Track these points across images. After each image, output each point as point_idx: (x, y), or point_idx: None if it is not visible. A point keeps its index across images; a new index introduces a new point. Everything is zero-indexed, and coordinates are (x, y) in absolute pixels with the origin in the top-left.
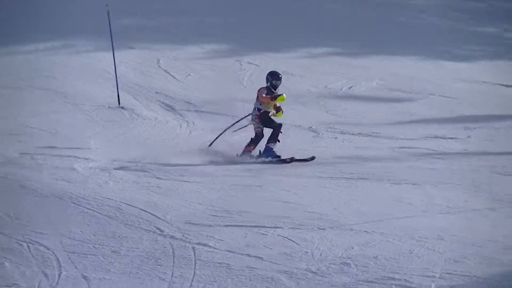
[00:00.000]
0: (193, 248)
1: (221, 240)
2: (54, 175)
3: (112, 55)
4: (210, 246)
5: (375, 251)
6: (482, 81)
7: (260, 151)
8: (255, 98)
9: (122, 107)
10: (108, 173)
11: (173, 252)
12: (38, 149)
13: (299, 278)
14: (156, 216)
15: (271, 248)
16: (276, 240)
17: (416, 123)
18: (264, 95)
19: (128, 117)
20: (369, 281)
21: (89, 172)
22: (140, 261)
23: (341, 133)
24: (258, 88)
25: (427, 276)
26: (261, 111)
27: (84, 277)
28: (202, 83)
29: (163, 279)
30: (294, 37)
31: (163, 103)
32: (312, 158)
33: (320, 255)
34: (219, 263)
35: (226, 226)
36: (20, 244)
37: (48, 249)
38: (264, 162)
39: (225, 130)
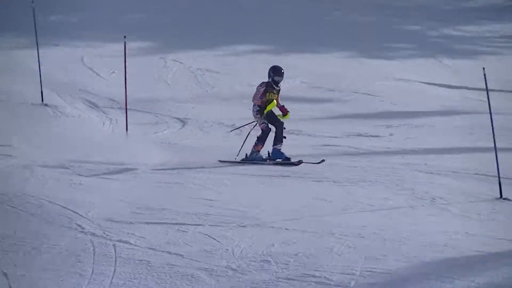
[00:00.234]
0: (113, 245)
1: (142, 237)
2: None
3: (37, 52)
4: (131, 243)
5: (296, 249)
6: (405, 79)
7: (268, 152)
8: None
9: (46, 104)
10: (29, 170)
11: (93, 249)
12: None
13: (219, 276)
14: (78, 214)
15: (191, 246)
16: (196, 238)
17: (338, 121)
18: (259, 95)
19: (51, 114)
20: (289, 279)
21: (11, 169)
22: (60, 258)
23: None
24: (256, 85)
25: (347, 274)
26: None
27: (4, 274)
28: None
29: (83, 276)
30: (220, 34)
31: (86, 100)
32: (322, 161)
33: (241, 252)
34: (139, 260)
35: (147, 223)
36: None
37: None
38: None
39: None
